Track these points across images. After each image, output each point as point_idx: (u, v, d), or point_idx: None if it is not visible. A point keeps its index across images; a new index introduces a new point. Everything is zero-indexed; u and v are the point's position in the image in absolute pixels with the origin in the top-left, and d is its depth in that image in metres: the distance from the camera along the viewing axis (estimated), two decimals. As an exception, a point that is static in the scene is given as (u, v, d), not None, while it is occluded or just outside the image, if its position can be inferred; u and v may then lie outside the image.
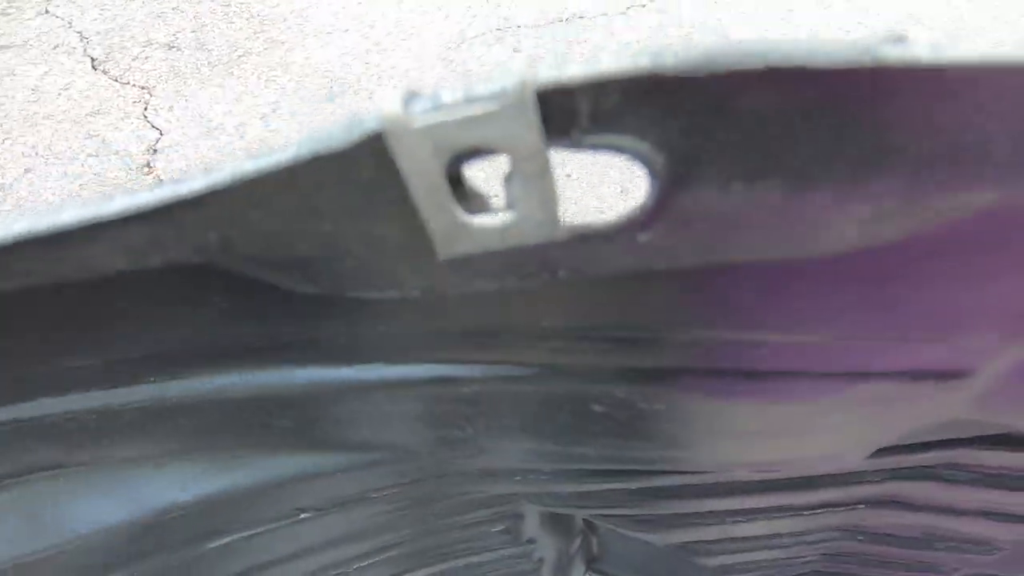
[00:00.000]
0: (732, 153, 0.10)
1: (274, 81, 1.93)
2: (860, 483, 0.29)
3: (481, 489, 0.33)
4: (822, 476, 0.28)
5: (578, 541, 0.61)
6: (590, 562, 0.69)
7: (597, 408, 0.18)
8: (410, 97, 0.09)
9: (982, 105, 0.09)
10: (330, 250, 0.11)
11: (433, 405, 0.22)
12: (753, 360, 0.16)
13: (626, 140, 0.10)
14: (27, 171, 1.67)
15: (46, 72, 1.97)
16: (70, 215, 0.11)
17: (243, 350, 0.20)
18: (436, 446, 0.25)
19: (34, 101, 1.88)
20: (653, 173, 0.11)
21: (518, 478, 0.31)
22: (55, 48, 2.07)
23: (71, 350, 0.18)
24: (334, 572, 0.39)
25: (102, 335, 0.16)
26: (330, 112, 1.84)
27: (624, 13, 2.23)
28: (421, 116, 0.09)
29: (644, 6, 2.26)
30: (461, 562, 0.44)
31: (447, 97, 0.09)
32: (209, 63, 1.99)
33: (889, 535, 0.35)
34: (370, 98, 1.87)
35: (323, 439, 0.25)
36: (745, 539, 0.38)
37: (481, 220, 0.11)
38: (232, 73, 1.96)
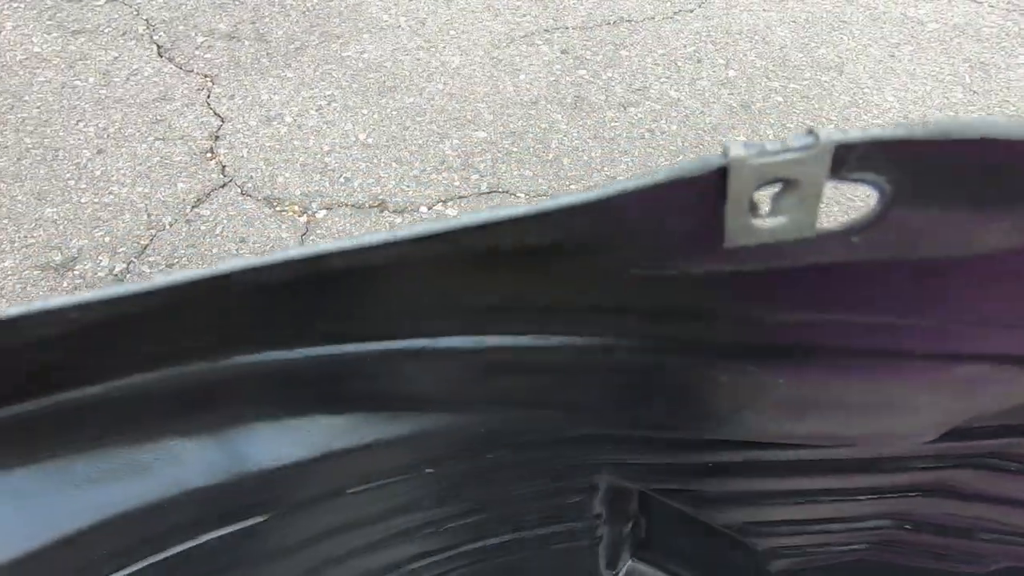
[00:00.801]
0: (936, 188, 0.16)
1: (330, 74, 2.00)
2: (915, 469, 0.33)
3: (574, 455, 0.37)
4: (881, 460, 0.32)
5: (630, 525, 0.65)
6: (637, 548, 0.73)
7: (723, 378, 0.23)
8: (747, 145, 0.14)
9: None
10: (636, 239, 0.16)
11: (569, 374, 0.26)
12: (861, 341, 0.21)
13: (870, 176, 0.16)
14: (99, 152, 1.77)
15: (116, 58, 2.07)
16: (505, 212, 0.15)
17: (391, 327, 0.25)
18: (560, 410, 0.29)
19: (104, 85, 1.98)
20: (881, 196, 0.16)
21: (610, 446, 0.35)
22: (124, 35, 2.17)
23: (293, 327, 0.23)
24: (429, 530, 0.44)
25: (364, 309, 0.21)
26: (382, 106, 1.90)
27: (671, 18, 2.24)
28: (754, 157, 0.14)
29: (692, 11, 2.27)
30: (534, 532, 0.49)
31: (770, 147, 0.14)
32: (268, 54, 2.07)
33: (936, 524, 0.39)
34: (420, 94, 1.93)
35: (461, 401, 0.29)
36: (799, 521, 0.42)
37: (761, 222, 0.16)
38: (290, 65, 2.03)
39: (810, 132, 0.14)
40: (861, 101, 1.98)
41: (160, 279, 0.18)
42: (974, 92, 2.02)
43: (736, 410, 0.25)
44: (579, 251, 0.17)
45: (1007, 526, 0.36)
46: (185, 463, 0.28)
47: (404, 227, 0.17)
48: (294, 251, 0.18)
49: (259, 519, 0.32)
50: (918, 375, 0.22)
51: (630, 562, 0.72)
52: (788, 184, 0.16)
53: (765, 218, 0.17)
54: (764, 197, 0.16)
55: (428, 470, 0.36)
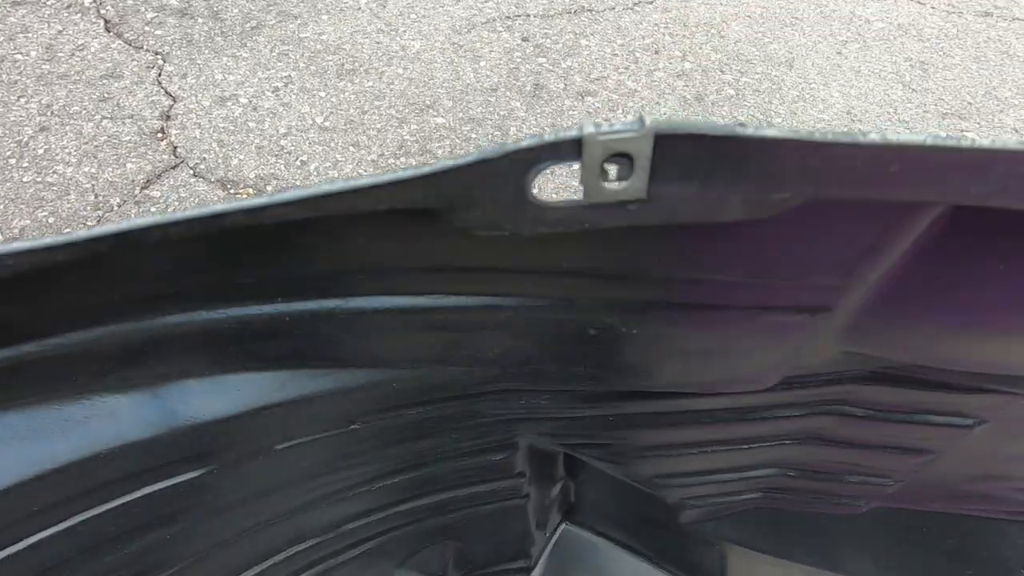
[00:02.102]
0: (677, 170, 0.19)
1: (287, 55, 1.97)
2: (784, 418, 0.37)
3: (491, 412, 0.40)
4: (754, 409, 0.36)
5: (558, 487, 0.69)
6: (567, 512, 0.77)
7: (592, 332, 0.26)
8: (597, 124, 0.17)
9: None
10: (480, 201, 0.19)
11: (474, 330, 0.29)
12: (696, 296, 0.24)
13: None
14: (43, 130, 1.71)
15: (60, 31, 1.99)
16: (364, 180, 0.18)
17: (325, 281, 0.27)
18: (467, 363, 0.32)
19: (48, 60, 1.90)
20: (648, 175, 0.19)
21: (522, 401, 0.39)
22: (68, 7, 2.08)
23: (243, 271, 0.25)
24: (362, 489, 0.47)
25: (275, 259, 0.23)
26: (340, 89, 1.89)
27: (631, 9, 2.28)
28: (603, 134, 0.17)
29: (651, 3, 2.32)
30: (463, 491, 0.52)
31: (613, 127, 0.17)
32: (222, 33, 2.02)
33: (812, 470, 0.44)
34: (380, 78, 1.92)
35: (380, 357, 0.32)
36: (698, 472, 0.46)
37: (610, 185, 0.20)
38: (245, 44, 1.99)
39: (640, 119, 0.17)
40: (809, 96, 2.06)
41: (73, 234, 0.19)
42: (913, 90, 2.12)
43: (607, 360, 0.29)
44: (443, 214, 0.20)
45: (869, 468, 0.41)
46: (119, 418, 0.29)
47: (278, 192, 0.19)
48: (193, 210, 0.19)
49: (193, 474, 0.34)
50: (738, 324, 0.26)
51: (564, 526, 0.76)
52: (626, 158, 0.19)
53: (612, 183, 0.21)
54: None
55: (353, 426, 0.38)
